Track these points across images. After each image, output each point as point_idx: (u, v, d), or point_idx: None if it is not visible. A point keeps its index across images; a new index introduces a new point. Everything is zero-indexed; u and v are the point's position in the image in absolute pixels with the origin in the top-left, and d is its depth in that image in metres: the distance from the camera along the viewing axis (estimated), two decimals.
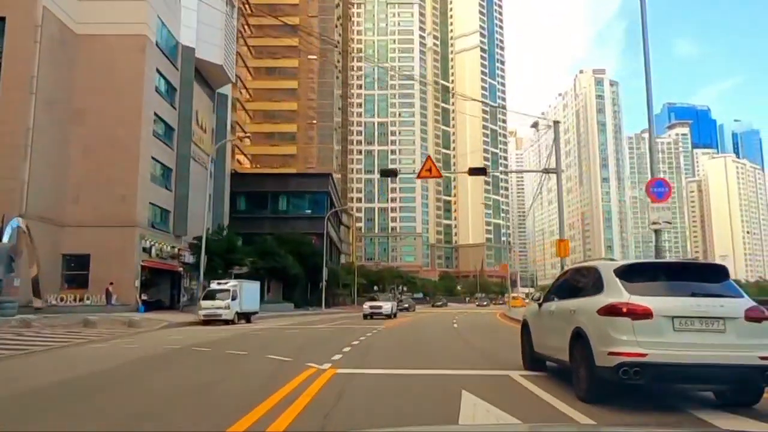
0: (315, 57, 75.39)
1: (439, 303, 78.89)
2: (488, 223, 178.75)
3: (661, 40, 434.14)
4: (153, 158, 38.21)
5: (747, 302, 6.14)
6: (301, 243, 53.07)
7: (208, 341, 16.02)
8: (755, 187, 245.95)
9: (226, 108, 53.28)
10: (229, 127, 55.69)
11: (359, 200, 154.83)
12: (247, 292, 30.05)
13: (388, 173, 22.74)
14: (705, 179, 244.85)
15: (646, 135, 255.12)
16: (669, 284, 6.42)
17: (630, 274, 6.37)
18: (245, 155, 74.05)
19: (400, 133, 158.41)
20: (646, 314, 5.81)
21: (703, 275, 6.68)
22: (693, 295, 6.07)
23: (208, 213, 48.82)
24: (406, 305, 56.37)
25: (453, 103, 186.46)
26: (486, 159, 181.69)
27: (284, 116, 75.82)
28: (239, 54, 71.39)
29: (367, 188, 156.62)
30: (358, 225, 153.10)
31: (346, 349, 12.90)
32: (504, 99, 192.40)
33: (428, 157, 21.86)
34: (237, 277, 37.05)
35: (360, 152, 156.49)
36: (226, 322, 27.72)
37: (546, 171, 21.40)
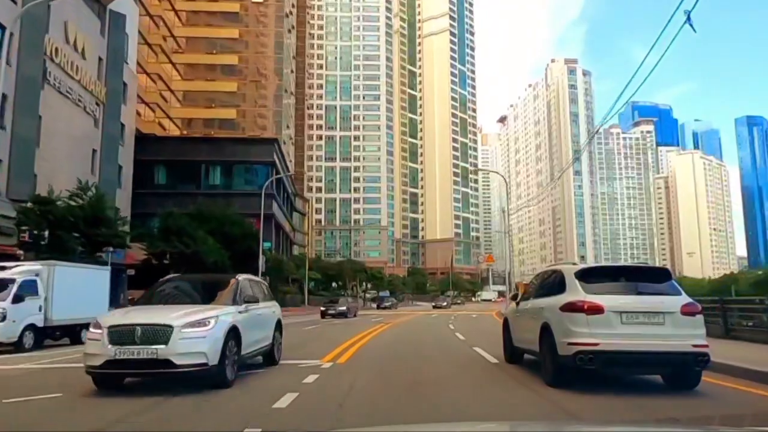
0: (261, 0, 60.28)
1: (387, 304, 54.43)
2: (457, 217, 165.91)
3: (620, 46, 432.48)
4: None
5: (684, 299, 6.95)
6: (226, 222, 38.07)
7: None
8: (721, 184, 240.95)
9: (123, 33, 37.76)
10: (132, 62, 40.20)
11: (319, 190, 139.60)
12: (67, 288, 15.06)
13: None
14: (673, 175, 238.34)
15: (614, 130, 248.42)
16: (620, 284, 7.24)
17: (588, 276, 7.21)
18: (171, 119, 58.39)
19: (364, 118, 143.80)
20: (598, 310, 6.65)
21: (649, 277, 7.56)
22: (639, 293, 6.99)
23: (90, 177, 33.63)
24: (343, 308, 35.05)
25: (420, 90, 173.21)
26: (455, 149, 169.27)
27: (223, 73, 60.40)
28: None
29: (328, 177, 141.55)
30: (317, 217, 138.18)
31: None
32: (474, 87, 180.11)
33: None
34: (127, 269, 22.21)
35: (320, 138, 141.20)
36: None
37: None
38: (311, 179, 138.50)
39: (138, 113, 51.99)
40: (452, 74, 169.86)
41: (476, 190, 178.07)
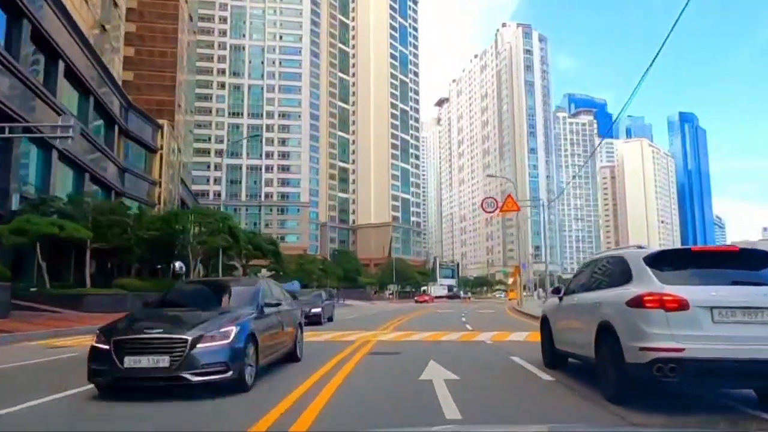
0: None
1: None
2: (395, 198, 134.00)
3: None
4: None
5: None
6: None
7: None
8: (667, 175, 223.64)
9: None
10: None
11: (219, 153, 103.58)
12: None
13: None
14: (620, 164, 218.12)
15: (560, 114, 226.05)
16: (706, 272, 5.45)
17: (661, 261, 5.53)
18: None
19: (281, 63, 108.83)
20: (681, 305, 5.02)
21: (743, 262, 5.60)
22: (734, 283, 5.33)
23: None
24: None
25: (354, 46, 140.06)
26: (394, 117, 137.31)
27: None
28: None
29: (232, 137, 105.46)
30: (216, 188, 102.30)
31: None
32: (416, 47, 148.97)
33: None
34: None
35: (222, 85, 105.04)
36: None
37: None
38: (208, 138, 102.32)
39: None
40: (392, 28, 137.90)
41: (417, 167, 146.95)
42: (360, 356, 9.35)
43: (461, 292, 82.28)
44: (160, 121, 45.75)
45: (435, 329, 15.77)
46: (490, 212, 25.95)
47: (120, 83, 41.04)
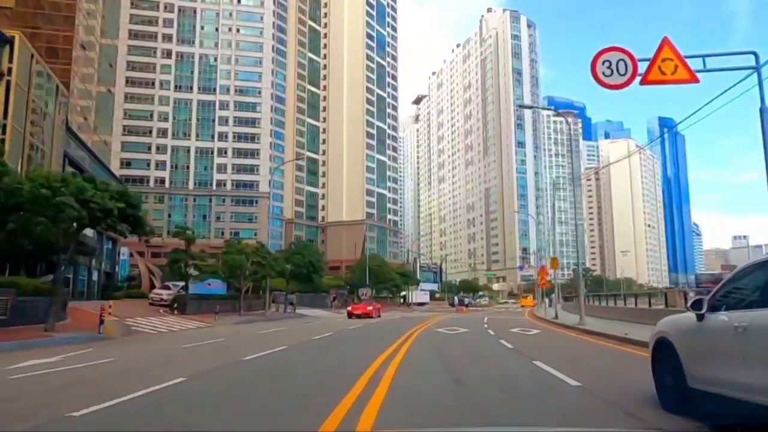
0: None
1: None
2: (370, 193, 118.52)
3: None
4: None
5: None
6: None
7: None
8: (653, 177, 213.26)
9: None
10: None
11: (163, 133, 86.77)
12: None
13: None
14: (605, 164, 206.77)
15: (544, 112, 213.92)
16: None
17: None
18: None
19: (238, 31, 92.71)
20: None
21: None
22: None
23: None
24: None
25: (326, 25, 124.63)
26: (369, 103, 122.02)
27: None
28: None
29: (180, 116, 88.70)
30: (159, 175, 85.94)
31: None
32: (395, 28, 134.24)
33: None
34: None
35: (168, 54, 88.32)
36: None
37: None
38: (150, 115, 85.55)
39: None
40: (368, 4, 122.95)
41: (394, 159, 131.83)
42: None
43: (455, 298, 67.07)
44: (9, 33, 29.43)
45: None
46: (615, 85, 10.49)
47: None
